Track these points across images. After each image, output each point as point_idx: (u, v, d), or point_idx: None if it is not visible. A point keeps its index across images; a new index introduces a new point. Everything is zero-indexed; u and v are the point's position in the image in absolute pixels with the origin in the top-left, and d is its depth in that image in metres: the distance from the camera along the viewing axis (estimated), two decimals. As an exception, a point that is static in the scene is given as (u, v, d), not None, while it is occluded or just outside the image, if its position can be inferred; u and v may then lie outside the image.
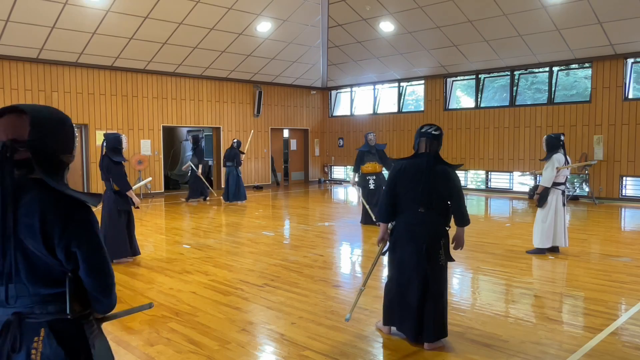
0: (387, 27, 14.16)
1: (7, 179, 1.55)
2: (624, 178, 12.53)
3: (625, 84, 12.32)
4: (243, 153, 13.30)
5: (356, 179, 9.25)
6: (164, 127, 14.97)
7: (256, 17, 13.51)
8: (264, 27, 14.03)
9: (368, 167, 9.12)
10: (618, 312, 4.50)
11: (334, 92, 19.18)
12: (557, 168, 6.59)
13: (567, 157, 6.78)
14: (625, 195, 12.55)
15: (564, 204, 6.73)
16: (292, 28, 14.69)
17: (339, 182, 18.83)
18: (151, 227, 9.41)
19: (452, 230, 3.79)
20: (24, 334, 1.58)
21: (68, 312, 1.62)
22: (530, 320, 4.27)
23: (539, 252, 6.75)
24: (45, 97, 12.62)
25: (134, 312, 2.02)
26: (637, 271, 5.86)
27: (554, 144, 6.67)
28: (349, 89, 18.60)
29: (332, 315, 4.39)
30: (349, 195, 15.20)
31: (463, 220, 3.79)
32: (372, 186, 9.06)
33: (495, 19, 12.33)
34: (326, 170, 19.40)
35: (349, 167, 18.83)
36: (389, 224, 3.86)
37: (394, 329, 3.93)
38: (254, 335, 4.01)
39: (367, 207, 8.94)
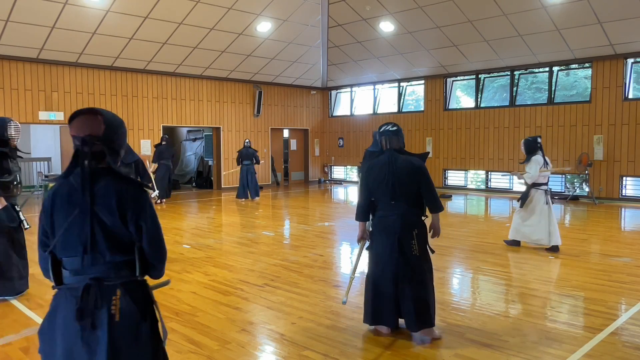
0: (387, 27, 14.16)
1: (85, 167, 1.94)
2: (624, 178, 12.53)
3: (625, 84, 12.32)
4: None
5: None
6: (164, 127, 14.97)
7: (256, 17, 13.51)
8: (264, 27, 14.03)
9: None
10: (618, 312, 4.50)
11: (334, 92, 19.17)
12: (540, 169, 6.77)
13: (546, 157, 6.99)
14: (625, 195, 12.55)
15: (548, 203, 6.88)
16: (292, 28, 14.69)
17: (339, 182, 18.83)
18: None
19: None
20: (103, 294, 1.93)
21: (138, 274, 2.01)
22: (530, 320, 4.27)
23: (514, 244, 7.17)
24: (45, 97, 12.63)
25: (155, 288, 2.24)
26: (637, 271, 5.86)
27: (532, 147, 6.92)
28: (349, 89, 18.60)
29: (332, 315, 4.39)
30: (349, 195, 15.20)
31: (435, 206, 3.91)
32: None
33: (495, 19, 12.33)
34: (326, 170, 19.40)
35: (349, 167, 18.83)
36: (367, 223, 4.06)
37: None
38: (254, 335, 4.01)
39: None
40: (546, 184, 6.98)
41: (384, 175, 3.82)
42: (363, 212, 3.99)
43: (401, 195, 3.81)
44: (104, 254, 1.95)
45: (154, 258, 2.03)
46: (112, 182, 1.98)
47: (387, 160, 3.86)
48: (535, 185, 6.89)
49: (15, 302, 4.85)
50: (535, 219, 6.86)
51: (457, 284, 5.60)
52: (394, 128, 3.96)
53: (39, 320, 4.33)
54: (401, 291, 3.80)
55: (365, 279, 4.06)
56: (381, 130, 3.99)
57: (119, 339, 1.91)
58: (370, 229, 4.03)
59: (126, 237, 1.97)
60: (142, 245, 2.00)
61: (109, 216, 1.93)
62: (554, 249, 6.83)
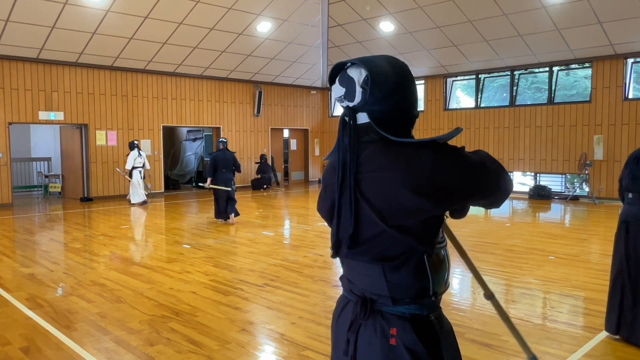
0: (387, 27, 14.16)
1: None
2: (624, 178, 12.50)
3: (625, 84, 12.31)
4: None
5: None
6: (164, 127, 14.97)
7: (256, 17, 13.51)
8: (264, 27, 14.02)
9: None
10: (618, 312, 4.50)
11: (334, 92, 19.15)
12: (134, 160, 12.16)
13: (141, 151, 12.28)
14: (625, 195, 12.53)
15: (143, 178, 12.46)
16: (292, 28, 14.68)
17: (339, 182, 18.79)
18: (151, 227, 9.41)
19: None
20: None
21: None
22: (530, 320, 4.27)
23: (136, 205, 12.17)
24: (45, 97, 12.62)
25: None
26: (637, 271, 5.85)
27: (130, 146, 12.19)
28: (349, 89, 18.56)
29: (332, 315, 4.38)
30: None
31: None
32: None
33: (495, 19, 12.33)
34: (326, 170, 19.38)
35: (349, 167, 18.81)
36: None
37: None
38: (254, 335, 4.01)
39: None
40: (142, 167, 12.24)
41: None
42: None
43: None
44: None
45: None
46: None
47: None
48: (134, 168, 12.01)
49: (15, 302, 4.85)
50: (137, 188, 12.17)
51: (457, 284, 5.60)
52: None
53: (39, 320, 4.33)
54: None
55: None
56: None
57: None
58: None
59: None
60: None
61: None
62: (144, 203, 12.19)
